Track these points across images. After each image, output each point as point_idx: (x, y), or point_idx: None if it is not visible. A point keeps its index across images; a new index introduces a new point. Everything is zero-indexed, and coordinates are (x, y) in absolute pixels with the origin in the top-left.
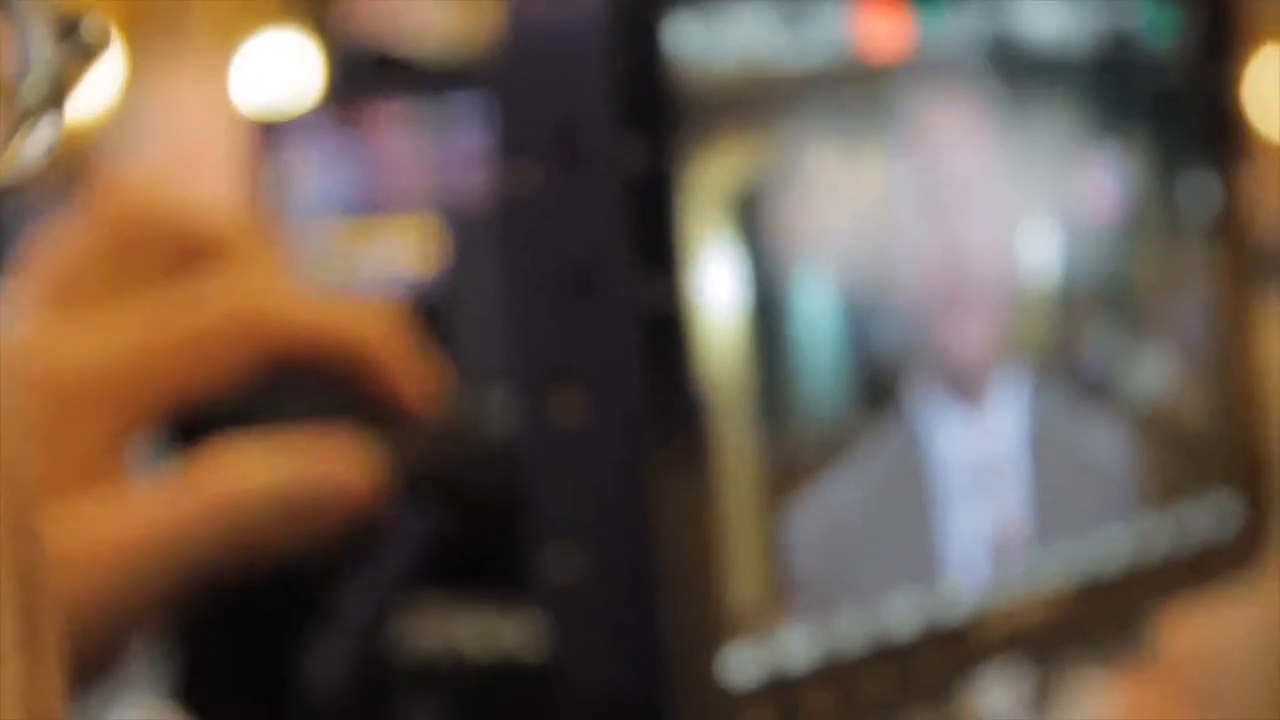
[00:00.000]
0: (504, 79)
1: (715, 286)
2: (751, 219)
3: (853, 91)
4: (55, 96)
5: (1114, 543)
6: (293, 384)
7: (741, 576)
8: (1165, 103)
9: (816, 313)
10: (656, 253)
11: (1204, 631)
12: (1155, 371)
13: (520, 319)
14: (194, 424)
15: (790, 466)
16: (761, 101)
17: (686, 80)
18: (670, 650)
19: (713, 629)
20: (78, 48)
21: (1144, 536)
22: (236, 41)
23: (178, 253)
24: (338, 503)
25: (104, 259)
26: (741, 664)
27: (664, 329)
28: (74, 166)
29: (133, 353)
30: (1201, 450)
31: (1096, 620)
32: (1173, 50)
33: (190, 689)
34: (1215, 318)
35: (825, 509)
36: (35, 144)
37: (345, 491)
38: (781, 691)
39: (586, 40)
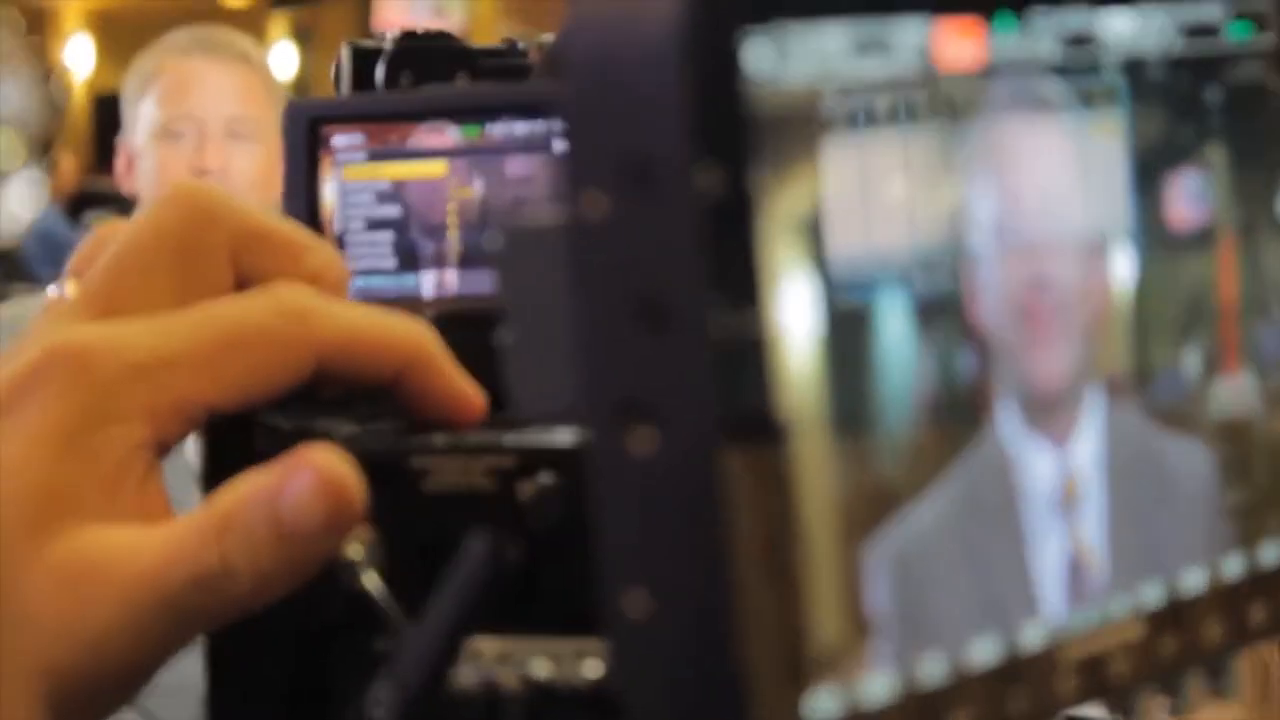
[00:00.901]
0: (572, 105)
1: (791, 313)
2: (827, 243)
3: (928, 110)
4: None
5: (1195, 572)
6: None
7: (823, 612)
8: (1249, 101)
9: (895, 338)
10: (733, 281)
11: None
12: (1239, 393)
13: (590, 353)
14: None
15: (871, 497)
16: (835, 122)
17: (760, 102)
18: (749, 690)
19: (793, 668)
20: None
21: (1226, 566)
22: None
23: (242, 253)
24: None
25: (169, 260)
26: (823, 702)
27: (740, 359)
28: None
29: (175, 347)
30: (1277, 479)
31: (1176, 652)
32: (1257, 42)
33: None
34: None
35: (907, 540)
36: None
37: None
38: None
39: (658, 64)
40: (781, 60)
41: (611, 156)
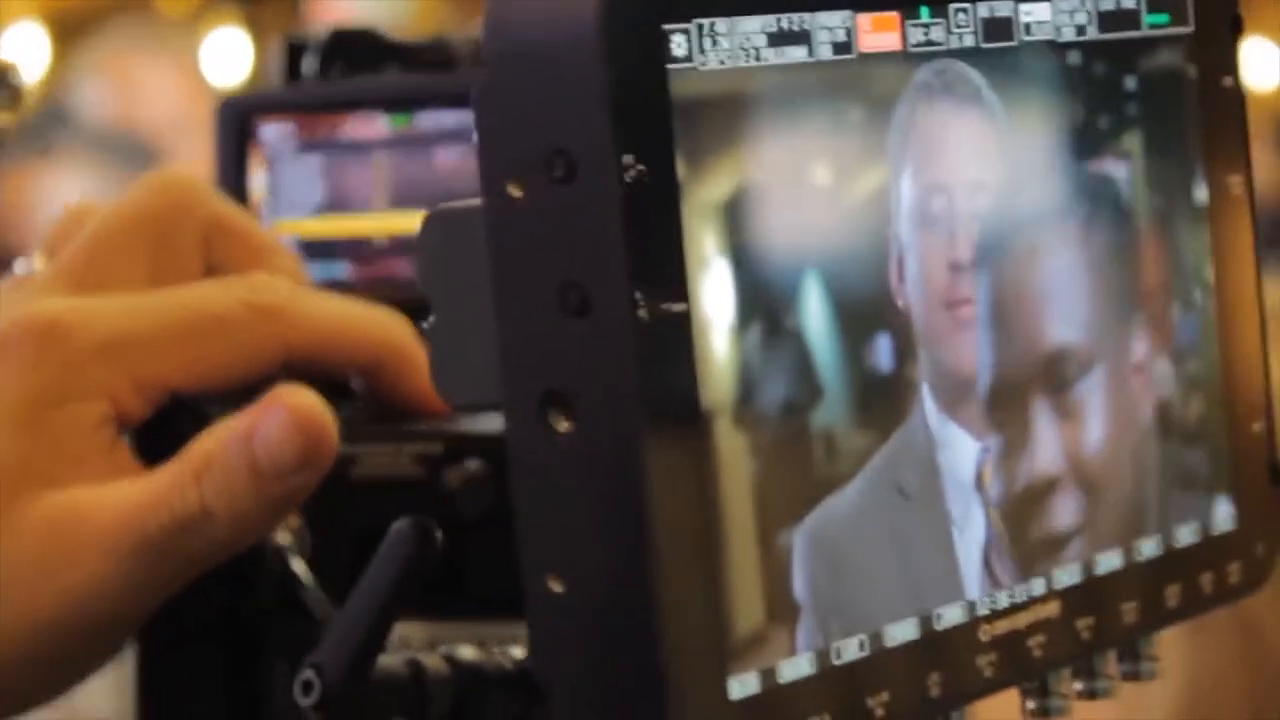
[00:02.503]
0: (492, 95)
1: (714, 299)
2: (750, 229)
3: (850, 97)
4: None
5: (1111, 553)
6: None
7: (746, 595)
8: (1167, 89)
9: (818, 323)
10: (654, 268)
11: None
12: (1157, 376)
13: (512, 339)
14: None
15: (796, 482)
16: (756, 110)
17: (681, 90)
18: (668, 671)
19: (717, 650)
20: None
21: (1142, 547)
22: (207, 27)
23: (213, 243)
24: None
25: (143, 240)
26: (747, 683)
27: (661, 345)
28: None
29: (143, 326)
30: (1199, 458)
31: (1093, 632)
32: (1173, 29)
33: (160, 696)
34: (1218, 318)
35: (832, 523)
36: None
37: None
38: (783, 708)
39: (579, 55)
40: (702, 49)
41: (533, 146)
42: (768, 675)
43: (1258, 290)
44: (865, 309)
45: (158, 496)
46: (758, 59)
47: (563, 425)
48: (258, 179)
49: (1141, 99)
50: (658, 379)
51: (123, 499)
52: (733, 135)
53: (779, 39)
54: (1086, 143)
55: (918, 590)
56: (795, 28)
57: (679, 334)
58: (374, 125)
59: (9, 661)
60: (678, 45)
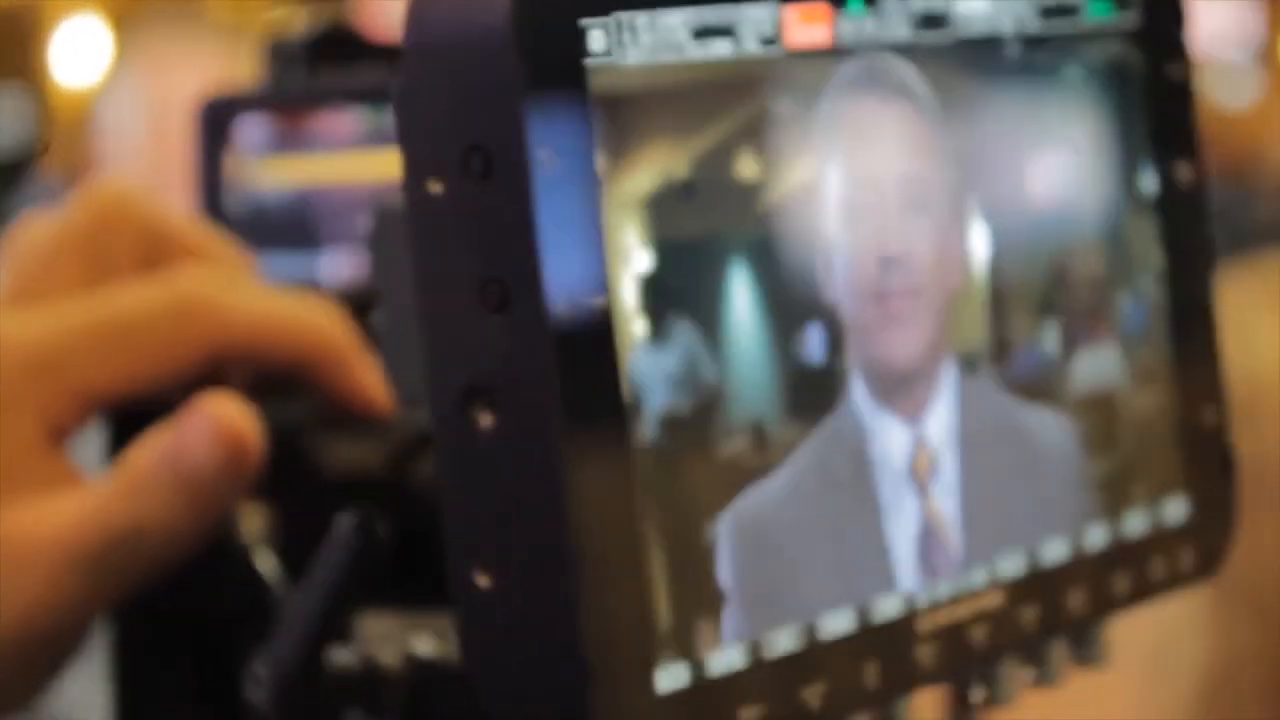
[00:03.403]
0: (407, 93)
1: (636, 293)
2: (673, 223)
3: (776, 90)
4: None
5: (1057, 542)
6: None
7: (672, 588)
8: (1111, 80)
9: (744, 316)
10: (573, 263)
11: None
12: (1103, 366)
13: (433, 335)
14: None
15: (723, 474)
16: (681, 103)
17: (599, 85)
18: (592, 665)
19: (643, 644)
20: None
21: (1089, 536)
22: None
23: (150, 250)
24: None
25: (75, 253)
26: (674, 676)
27: (582, 340)
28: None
29: (65, 337)
30: (1150, 448)
31: (1038, 622)
32: (1118, 21)
33: (135, 701)
34: (1170, 307)
35: (759, 515)
36: None
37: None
38: (714, 700)
39: (494, 51)
40: (621, 44)
41: (450, 142)
42: (696, 668)
43: (1211, 280)
44: (793, 301)
45: (92, 512)
46: (680, 53)
47: (485, 420)
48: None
49: (1085, 91)
50: (578, 373)
51: (59, 515)
52: (656, 129)
53: (703, 32)
54: (1028, 135)
55: (851, 580)
56: (719, 21)
57: (599, 328)
58: (347, 121)
59: None
60: (596, 40)
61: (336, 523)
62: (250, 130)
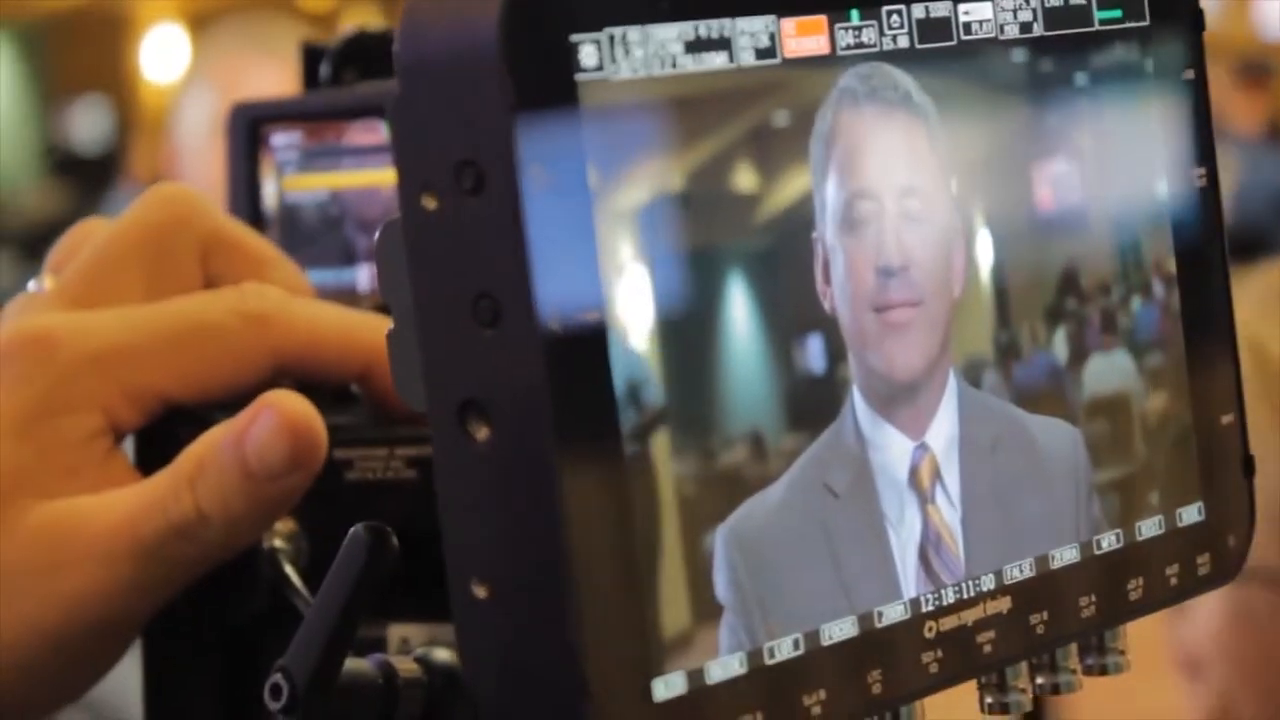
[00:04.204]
0: (401, 109)
1: (633, 306)
2: (671, 235)
3: (774, 101)
4: None
5: (1066, 548)
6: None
7: (670, 597)
8: (1120, 82)
9: (743, 328)
10: (566, 277)
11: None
12: (1114, 373)
13: (429, 349)
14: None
15: (722, 485)
16: (676, 115)
17: (591, 100)
18: (587, 674)
19: (640, 653)
20: None
21: (1101, 542)
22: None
23: (210, 257)
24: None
25: (137, 257)
26: (672, 684)
27: (577, 353)
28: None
29: (134, 338)
30: (1164, 454)
31: (1048, 628)
32: (1126, 24)
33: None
34: (1183, 312)
35: (758, 525)
36: None
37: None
38: (713, 708)
39: (485, 68)
40: (614, 59)
41: (443, 158)
42: (695, 676)
43: (1226, 282)
44: (791, 312)
45: (152, 502)
46: (674, 66)
47: (481, 433)
48: (269, 187)
49: (1094, 95)
50: (572, 386)
51: (118, 505)
52: (649, 143)
53: (697, 46)
54: (1036, 141)
55: (853, 588)
56: (714, 34)
57: (593, 341)
58: (378, 132)
59: (12, 669)
60: (588, 55)
61: (350, 535)
62: (282, 140)
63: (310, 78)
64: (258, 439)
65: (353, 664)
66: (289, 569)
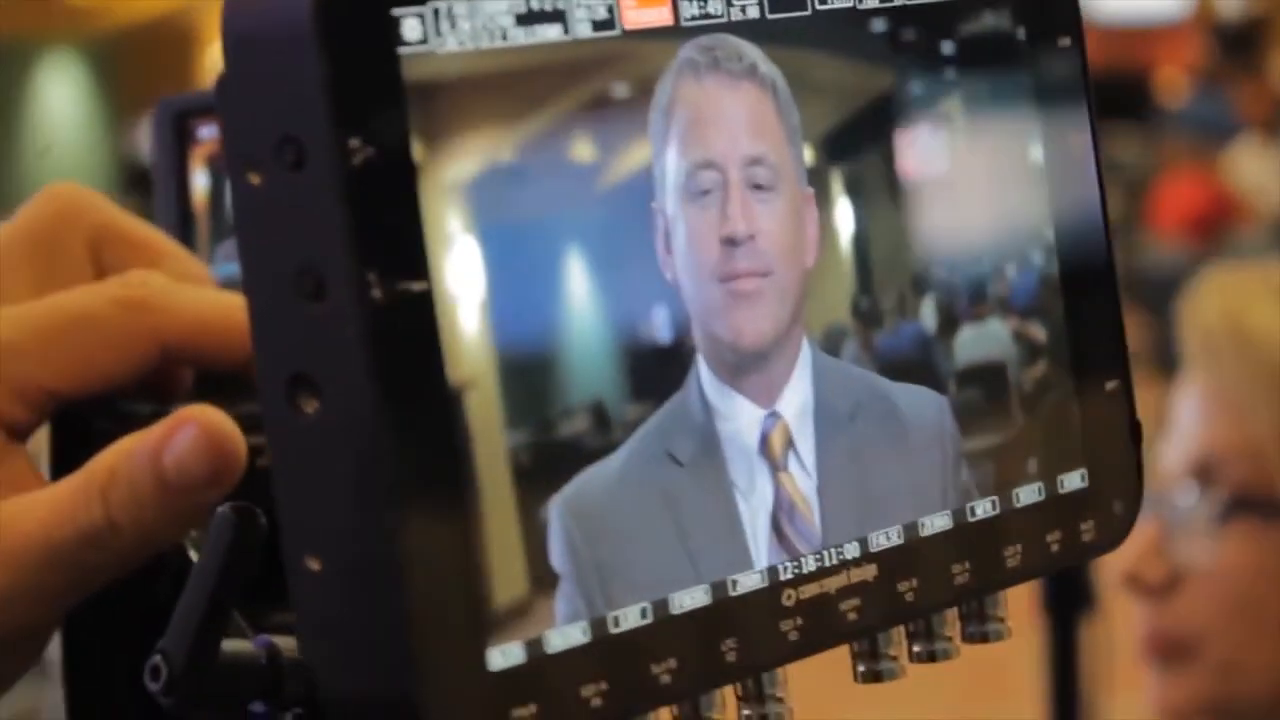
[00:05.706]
0: (224, 86)
1: (463, 277)
2: (500, 207)
3: (610, 72)
4: None
5: (937, 516)
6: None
7: (504, 567)
8: (991, 48)
9: (578, 298)
10: (389, 250)
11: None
12: (987, 341)
13: (257, 324)
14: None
15: (559, 453)
16: (507, 88)
17: (414, 74)
18: (417, 644)
19: (474, 622)
20: None
21: (974, 509)
22: None
23: (102, 253)
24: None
25: (25, 257)
26: (509, 653)
27: (401, 325)
28: None
29: (13, 334)
30: (1045, 422)
31: (918, 595)
32: None
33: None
34: (1062, 279)
35: (597, 493)
36: None
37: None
38: (553, 677)
39: (301, 43)
40: (439, 32)
41: (266, 134)
42: (534, 645)
43: (1109, 249)
44: (631, 283)
45: (62, 510)
46: (504, 39)
47: (310, 407)
48: (200, 179)
49: (962, 63)
50: (399, 358)
51: (26, 513)
52: (479, 116)
53: (529, 18)
54: (900, 110)
55: (700, 557)
56: (548, 6)
57: (420, 313)
58: None
59: None
60: (410, 29)
61: (217, 515)
62: (210, 132)
63: None
64: (178, 452)
65: (233, 644)
66: (193, 558)
